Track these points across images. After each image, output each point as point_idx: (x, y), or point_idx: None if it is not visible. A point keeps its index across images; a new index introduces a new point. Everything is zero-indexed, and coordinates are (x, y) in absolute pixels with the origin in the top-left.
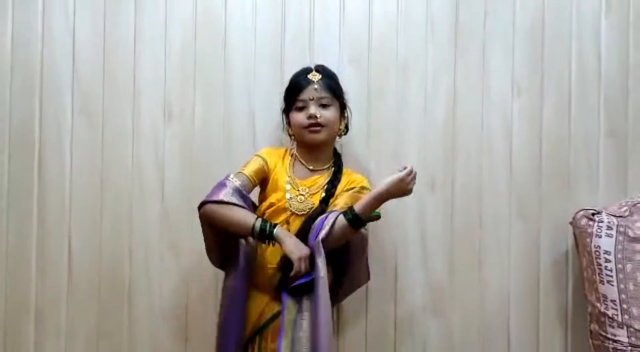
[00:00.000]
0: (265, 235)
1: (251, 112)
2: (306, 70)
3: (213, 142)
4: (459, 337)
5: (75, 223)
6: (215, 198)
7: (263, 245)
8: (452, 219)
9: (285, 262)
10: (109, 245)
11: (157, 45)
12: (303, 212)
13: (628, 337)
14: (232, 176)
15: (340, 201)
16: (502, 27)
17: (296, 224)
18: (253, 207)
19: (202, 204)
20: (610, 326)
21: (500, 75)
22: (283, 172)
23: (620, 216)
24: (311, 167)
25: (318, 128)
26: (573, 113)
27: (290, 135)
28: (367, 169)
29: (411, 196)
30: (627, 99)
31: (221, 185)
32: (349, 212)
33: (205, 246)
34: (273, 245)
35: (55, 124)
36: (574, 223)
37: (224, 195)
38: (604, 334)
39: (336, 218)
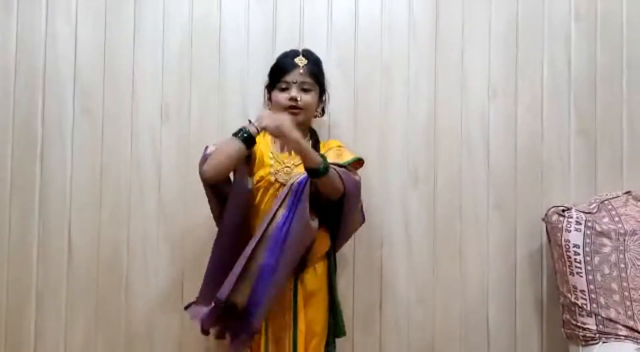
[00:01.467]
0: (248, 135)
1: (244, 111)
2: (294, 53)
3: (208, 139)
4: (441, 324)
5: (75, 215)
6: (207, 152)
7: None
8: (434, 212)
9: None
10: (108, 235)
11: (155, 48)
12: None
13: (596, 325)
14: (211, 145)
15: (330, 155)
16: (478, 33)
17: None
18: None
19: (201, 170)
20: (580, 315)
21: (477, 78)
22: (266, 149)
23: (589, 212)
24: None
25: (297, 110)
26: (545, 113)
27: (269, 110)
28: None
29: (395, 190)
30: (596, 100)
31: (205, 149)
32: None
33: (214, 213)
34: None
35: (57, 121)
36: (546, 219)
37: (210, 149)
38: (574, 322)
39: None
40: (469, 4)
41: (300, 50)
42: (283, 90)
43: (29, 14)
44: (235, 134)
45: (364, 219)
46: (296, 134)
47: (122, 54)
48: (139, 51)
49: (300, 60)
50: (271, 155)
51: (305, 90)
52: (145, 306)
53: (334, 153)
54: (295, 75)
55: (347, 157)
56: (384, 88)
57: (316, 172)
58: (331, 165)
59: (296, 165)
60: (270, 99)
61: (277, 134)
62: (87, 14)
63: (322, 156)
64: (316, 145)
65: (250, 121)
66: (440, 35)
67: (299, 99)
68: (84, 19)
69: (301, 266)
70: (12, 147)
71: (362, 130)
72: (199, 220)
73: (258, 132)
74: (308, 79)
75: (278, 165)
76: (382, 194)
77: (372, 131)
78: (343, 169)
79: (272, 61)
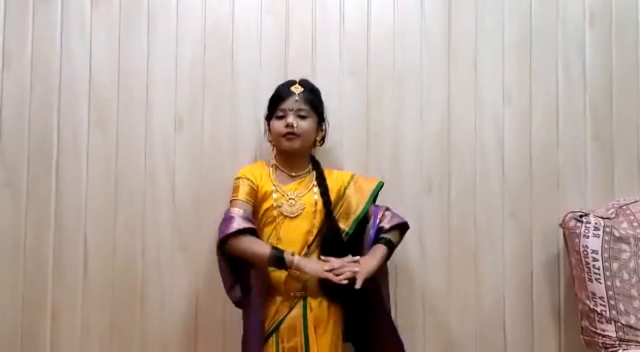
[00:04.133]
0: (281, 262)
1: (257, 121)
2: (290, 83)
3: (221, 149)
4: (457, 335)
5: (90, 226)
6: (231, 231)
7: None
8: (448, 220)
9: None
10: (123, 246)
11: (169, 60)
12: (296, 214)
13: (616, 332)
14: (232, 208)
15: (352, 199)
16: (492, 40)
17: (286, 226)
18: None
19: (223, 241)
20: (599, 321)
21: (491, 85)
22: (268, 182)
23: (607, 218)
24: (293, 174)
25: (293, 137)
26: (560, 119)
27: (270, 141)
28: (367, 173)
29: (409, 198)
30: (612, 105)
31: (229, 219)
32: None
33: (225, 285)
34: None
35: (72, 134)
36: (563, 225)
37: (237, 224)
38: (593, 329)
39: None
40: (482, 10)
41: (297, 80)
42: (280, 118)
43: (44, 30)
44: (273, 251)
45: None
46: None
47: (136, 67)
48: (152, 64)
49: (296, 88)
50: (274, 188)
51: (301, 117)
52: (160, 316)
53: (356, 194)
54: (291, 103)
55: (369, 189)
56: (396, 96)
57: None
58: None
59: (300, 197)
60: (269, 129)
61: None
62: (100, 29)
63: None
64: (320, 176)
65: (293, 253)
66: (453, 42)
67: (295, 125)
68: (98, 33)
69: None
70: (28, 160)
71: (374, 139)
72: (212, 229)
73: (288, 267)
74: (304, 106)
75: (281, 197)
76: (395, 203)
77: (385, 140)
78: (390, 216)
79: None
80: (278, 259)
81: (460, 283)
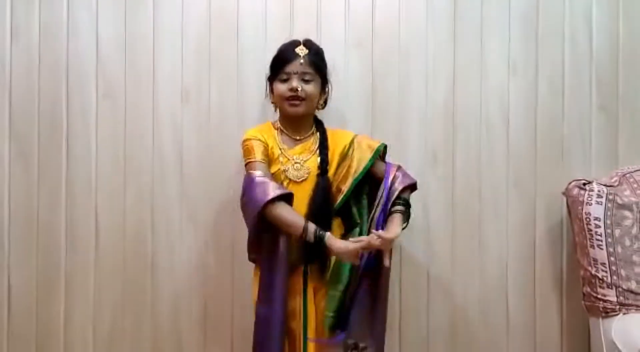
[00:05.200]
0: (317, 239)
1: (262, 93)
2: (294, 44)
3: (227, 121)
4: (461, 302)
5: (101, 198)
6: (270, 197)
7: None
8: (453, 192)
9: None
10: (133, 218)
11: (175, 34)
12: (302, 179)
13: (617, 296)
14: (254, 171)
15: (356, 155)
16: (497, 10)
17: (293, 190)
18: None
19: (264, 207)
20: (600, 287)
21: (497, 56)
22: (275, 145)
23: (610, 186)
24: (297, 137)
25: (297, 102)
26: (566, 89)
27: (272, 103)
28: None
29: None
30: (617, 75)
31: (262, 184)
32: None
33: (251, 247)
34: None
35: (81, 106)
36: (566, 193)
37: (273, 190)
38: (595, 295)
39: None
40: None
41: (301, 40)
42: (284, 81)
43: (51, 4)
44: (315, 231)
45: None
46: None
47: (142, 40)
48: (158, 37)
49: (301, 50)
50: (280, 151)
51: (306, 81)
52: (170, 285)
53: (357, 152)
54: (296, 66)
55: (371, 151)
56: (401, 68)
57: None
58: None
59: (305, 161)
60: (272, 90)
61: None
62: (107, 3)
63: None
64: (323, 137)
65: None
66: (459, 14)
67: (299, 89)
68: (105, 8)
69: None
70: (39, 132)
71: (380, 112)
72: (220, 200)
73: (325, 245)
74: (309, 69)
75: (287, 161)
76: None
77: (390, 113)
78: (402, 175)
79: None
80: (315, 235)
81: (465, 252)
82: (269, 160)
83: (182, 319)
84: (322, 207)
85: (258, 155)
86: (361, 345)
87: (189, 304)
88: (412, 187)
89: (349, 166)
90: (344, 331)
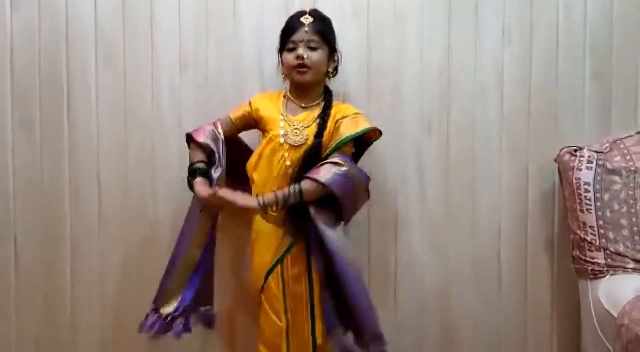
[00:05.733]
0: (190, 183)
1: (259, 60)
2: (300, 13)
3: (225, 88)
4: (454, 266)
5: (103, 164)
6: (194, 136)
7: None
8: (447, 157)
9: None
10: (134, 182)
11: (173, 1)
12: (299, 144)
13: (605, 259)
14: (219, 119)
15: (343, 130)
16: None
17: (293, 155)
18: (239, 147)
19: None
20: (589, 250)
21: (492, 24)
22: (277, 111)
23: (601, 152)
24: (303, 105)
25: (304, 69)
26: (560, 57)
27: (283, 74)
28: (368, 114)
29: (409, 137)
30: (611, 44)
31: (204, 126)
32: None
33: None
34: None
35: (81, 73)
36: (558, 159)
37: (199, 135)
38: (583, 257)
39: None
40: None
41: (307, 10)
42: (291, 50)
43: None
44: (191, 172)
45: (368, 196)
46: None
47: (141, 8)
48: (156, 5)
49: (306, 19)
50: (281, 117)
51: (312, 49)
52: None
53: (351, 122)
54: (301, 34)
55: (362, 126)
56: (397, 37)
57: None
58: (307, 179)
59: (305, 127)
60: (282, 62)
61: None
62: None
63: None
64: (327, 108)
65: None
66: None
67: (305, 56)
68: None
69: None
70: (40, 102)
71: (375, 80)
72: None
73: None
74: (314, 37)
75: (287, 126)
76: (396, 142)
77: (386, 80)
78: (327, 165)
79: (287, 11)
80: (188, 181)
81: (458, 217)
82: (268, 125)
83: None
84: (308, 167)
85: (233, 115)
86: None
87: None
88: (323, 186)
89: (336, 133)
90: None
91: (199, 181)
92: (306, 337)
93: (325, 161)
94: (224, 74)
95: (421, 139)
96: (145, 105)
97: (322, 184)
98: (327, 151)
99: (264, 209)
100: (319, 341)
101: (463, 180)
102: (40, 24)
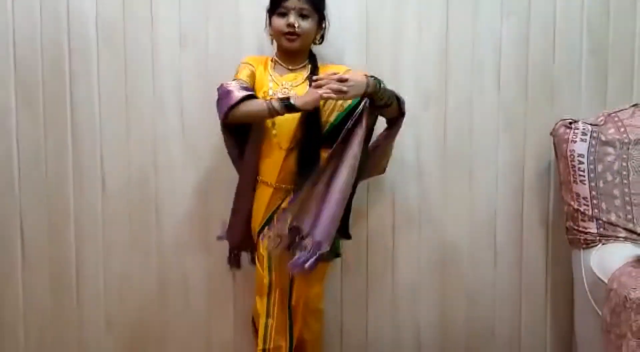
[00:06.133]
0: (292, 108)
1: (258, 36)
2: None
3: (224, 63)
4: (451, 239)
5: (105, 143)
6: (233, 102)
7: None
8: (444, 133)
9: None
10: (137, 160)
11: None
12: None
13: (597, 228)
14: (230, 82)
15: None
16: None
17: (281, 117)
18: None
19: (227, 113)
20: (582, 220)
21: (490, 0)
22: (266, 73)
23: (596, 124)
24: (290, 67)
25: (294, 37)
26: (557, 34)
27: (270, 35)
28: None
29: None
30: (608, 19)
31: (227, 93)
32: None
33: (233, 159)
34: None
35: (83, 56)
36: (553, 132)
37: (237, 95)
38: (577, 228)
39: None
40: None
41: None
42: (282, 15)
43: None
44: (281, 100)
45: (384, 169)
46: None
47: None
48: None
49: None
50: (270, 77)
51: (303, 17)
52: (174, 222)
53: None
54: (293, 1)
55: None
56: (396, 15)
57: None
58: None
59: (294, 87)
60: (270, 23)
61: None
62: None
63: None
64: (314, 70)
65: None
66: None
67: (296, 25)
68: None
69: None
70: (43, 80)
71: (374, 55)
72: (219, 142)
73: (298, 109)
74: (306, 6)
75: (276, 86)
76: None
77: (384, 55)
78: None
79: None
80: (288, 107)
81: (456, 191)
82: (255, 87)
83: (186, 256)
84: (311, 127)
85: (242, 75)
86: (303, 231)
87: (192, 240)
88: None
89: (335, 101)
90: (294, 201)
91: (297, 95)
92: (285, 297)
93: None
94: (223, 50)
95: (419, 115)
96: (146, 82)
97: (400, 101)
98: (351, 104)
99: (368, 88)
100: (293, 301)
101: (460, 155)
102: (41, 5)
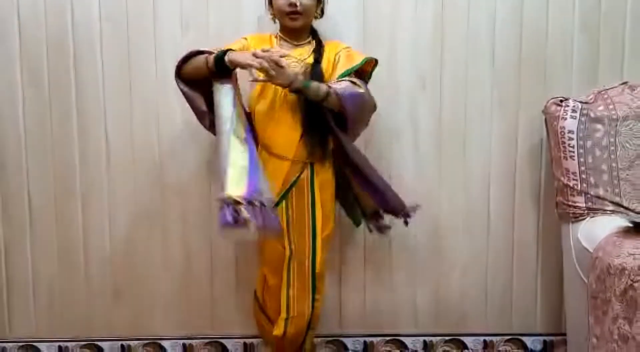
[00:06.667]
0: (220, 63)
1: (259, 18)
2: None
3: (225, 45)
4: (446, 214)
5: (110, 118)
6: (185, 55)
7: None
8: (440, 111)
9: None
10: (140, 138)
11: None
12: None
13: (585, 202)
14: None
15: (340, 62)
16: None
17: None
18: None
19: (179, 65)
20: (571, 194)
21: None
22: (271, 47)
23: (586, 102)
24: (295, 43)
25: (297, 16)
26: (550, 12)
27: (271, 14)
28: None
29: (404, 91)
30: None
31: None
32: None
33: (196, 114)
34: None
35: (87, 36)
36: (545, 110)
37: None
38: (566, 202)
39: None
40: None
41: None
42: None
43: None
44: (215, 55)
45: (375, 108)
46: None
47: None
48: None
49: None
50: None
51: None
52: (178, 196)
53: (344, 57)
54: None
55: (357, 59)
56: None
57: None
58: (330, 86)
59: (303, 60)
60: (270, 3)
61: (269, 77)
62: None
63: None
64: (319, 46)
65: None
66: None
67: (298, 4)
68: None
69: (321, 158)
70: (48, 60)
71: (371, 36)
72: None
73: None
74: None
75: (287, 59)
76: (391, 96)
77: (382, 36)
78: (347, 83)
79: None
80: (217, 59)
81: (451, 167)
82: None
83: (190, 229)
84: (312, 108)
85: (228, 46)
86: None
87: (195, 212)
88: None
89: (335, 68)
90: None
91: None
92: (307, 266)
93: (345, 78)
94: (224, 33)
95: (416, 95)
96: (149, 63)
97: (340, 97)
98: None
99: (293, 83)
100: (317, 269)
101: (455, 132)
102: None
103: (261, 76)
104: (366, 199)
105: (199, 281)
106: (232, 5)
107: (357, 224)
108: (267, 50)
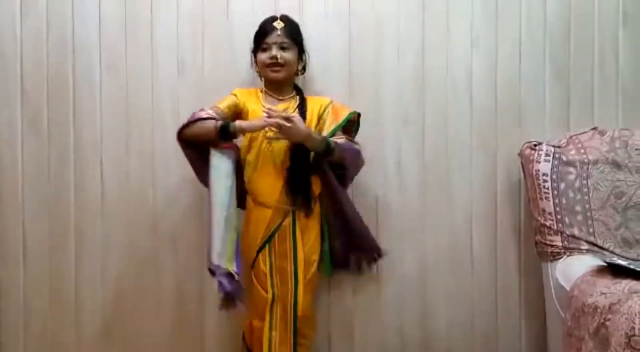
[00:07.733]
0: (227, 130)
1: (251, 61)
2: (272, 19)
3: (220, 88)
4: (430, 250)
5: (106, 160)
6: (192, 119)
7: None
8: (423, 150)
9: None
10: (135, 176)
11: (171, 8)
12: None
13: (562, 241)
14: (206, 107)
15: (327, 120)
16: None
17: (276, 142)
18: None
19: (184, 126)
20: (548, 234)
21: (461, 28)
22: (258, 104)
23: (558, 146)
24: (280, 98)
25: (278, 68)
26: (523, 59)
27: (257, 72)
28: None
29: (388, 131)
30: (569, 48)
31: (192, 115)
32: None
33: (195, 172)
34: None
35: (86, 77)
36: (520, 153)
37: (198, 114)
38: (544, 241)
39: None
40: None
41: (278, 15)
42: (265, 50)
43: None
44: (222, 128)
45: (363, 163)
46: (299, 130)
47: (141, 15)
48: (156, 13)
49: (278, 24)
50: (263, 108)
51: (284, 49)
52: (171, 237)
53: (331, 116)
54: (274, 37)
55: (343, 115)
56: (376, 40)
57: (322, 155)
58: (335, 142)
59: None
60: (256, 61)
61: (282, 132)
62: None
63: (326, 140)
64: (302, 102)
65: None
66: None
67: (278, 56)
68: None
69: (303, 205)
70: (48, 100)
71: (357, 79)
72: None
73: (234, 133)
74: (286, 39)
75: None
76: (376, 136)
77: (366, 79)
78: (345, 139)
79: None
80: (223, 128)
81: (434, 204)
82: (244, 115)
83: (181, 272)
84: (301, 151)
85: (222, 104)
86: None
87: (188, 254)
88: (348, 152)
89: (322, 127)
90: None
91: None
92: (289, 309)
93: (343, 137)
94: (218, 74)
95: (399, 132)
96: (145, 104)
97: (345, 150)
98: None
99: (308, 141)
100: (299, 312)
101: (438, 171)
102: (48, 29)
103: (270, 134)
104: (337, 244)
105: (189, 323)
106: (225, 48)
107: (327, 274)
108: (271, 109)
